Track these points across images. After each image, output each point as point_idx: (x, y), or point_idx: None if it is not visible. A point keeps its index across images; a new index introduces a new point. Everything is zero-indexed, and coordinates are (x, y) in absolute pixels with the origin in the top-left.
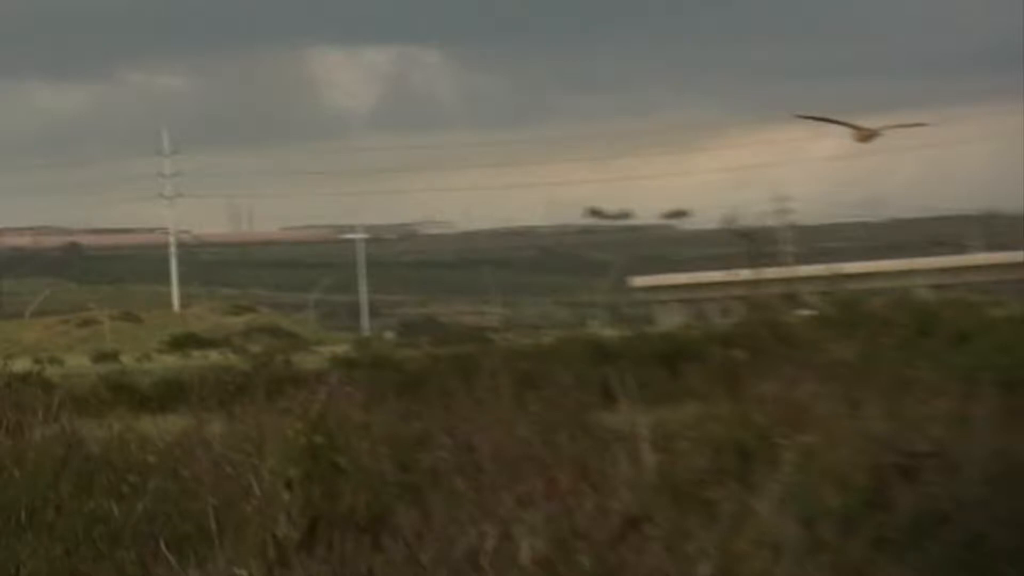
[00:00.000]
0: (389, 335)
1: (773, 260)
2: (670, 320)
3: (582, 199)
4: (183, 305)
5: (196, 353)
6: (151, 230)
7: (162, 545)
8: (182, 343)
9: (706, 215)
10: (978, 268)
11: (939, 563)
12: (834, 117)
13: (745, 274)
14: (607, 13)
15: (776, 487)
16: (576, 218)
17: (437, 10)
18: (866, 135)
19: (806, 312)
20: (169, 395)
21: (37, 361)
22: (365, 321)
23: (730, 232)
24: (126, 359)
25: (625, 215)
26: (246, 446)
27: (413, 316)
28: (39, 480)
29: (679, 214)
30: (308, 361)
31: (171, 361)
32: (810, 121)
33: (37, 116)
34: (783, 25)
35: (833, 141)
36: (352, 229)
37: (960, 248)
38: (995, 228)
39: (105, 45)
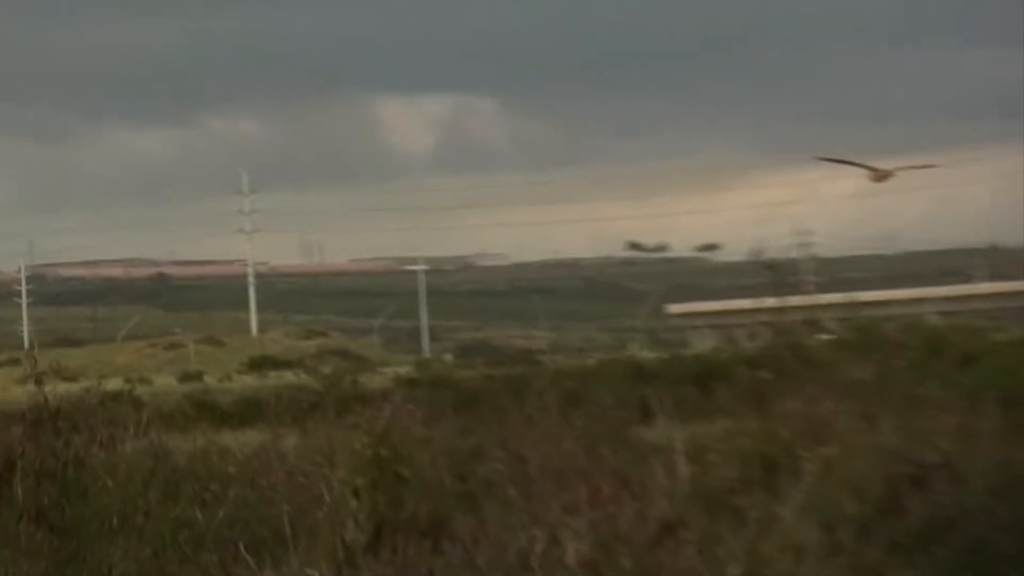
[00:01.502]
0: (447, 357)
1: (796, 289)
2: (702, 344)
3: (623, 233)
4: (261, 330)
5: (272, 374)
6: (231, 262)
7: (241, 548)
8: (259, 365)
9: (735, 248)
10: (982, 296)
11: (946, 566)
12: (851, 159)
13: (770, 302)
14: (644, 64)
15: (799, 495)
16: (617, 251)
17: (491, 62)
18: (881, 175)
19: (826, 336)
20: (248, 412)
21: (128, 381)
22: (425, 344)
23: (757, 264)
24: (209, 379)
25: (662, 248)
26: (317, 458)
27: (469, 340)
28: (130, 489)
29: (711, 247)
30: (374, 381)
31: (249, 381)
32: (830, 163)
33: (127, 159)
34: (805, 75)
35: (851, 181)
36: (413, 261)
37: (966, 278)
38: (997, 260)
39: (189, 93)
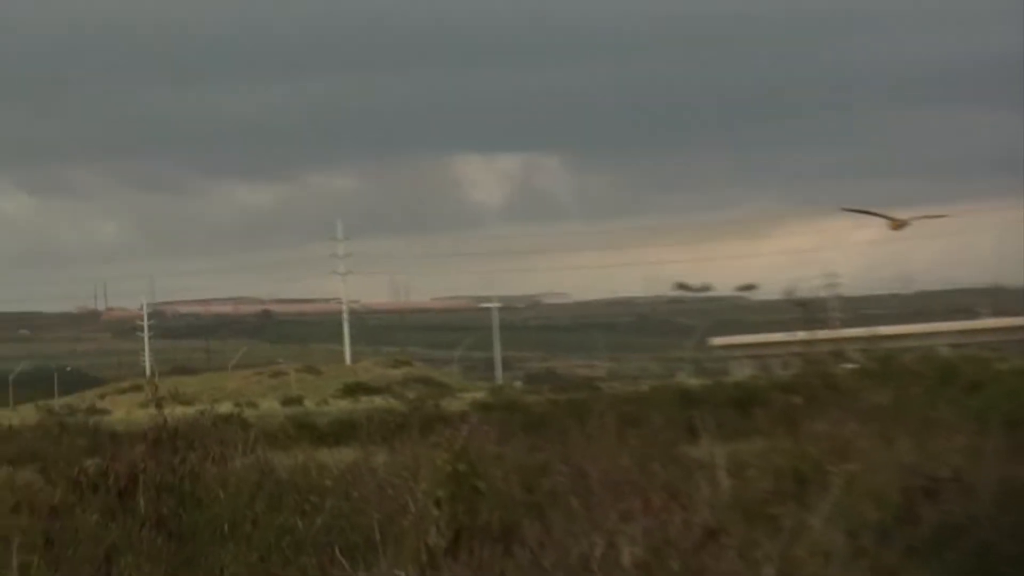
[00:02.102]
0: (517, 384)
1: (824, 324)
2: (742, 372)
3: (672, 275)
4: (353, 360)
5: (364, 398)
6: (328, 300)
7: (337, 552)
8: (353, 391)
9: (771, 288)
10: (987, 331)
11: (956, 568)
12: (872, 210)
13: (801, 335)
14: (692, 127)
15: (826, 505)
16: (667, 290)
17: (556, 125)
18: (898, 224)
19: (850, 366)
20: (342, 432)
21: (237, 405)
22: (498, 373)
23: (789, 302)
24: (308, 403)
25: (706, 288)
26: (404, 473)
27: (537, 369)
28: (239, 500)
29: (749, 287)
30: (453, 405)
31: (344, 405)
32: (853, 213)
33: (238, 210)
34: (831, 136)
35: (872, 229)
36: (488, 299)
37: (973, 315)
38: (1001, 299)
39: (292, 152)
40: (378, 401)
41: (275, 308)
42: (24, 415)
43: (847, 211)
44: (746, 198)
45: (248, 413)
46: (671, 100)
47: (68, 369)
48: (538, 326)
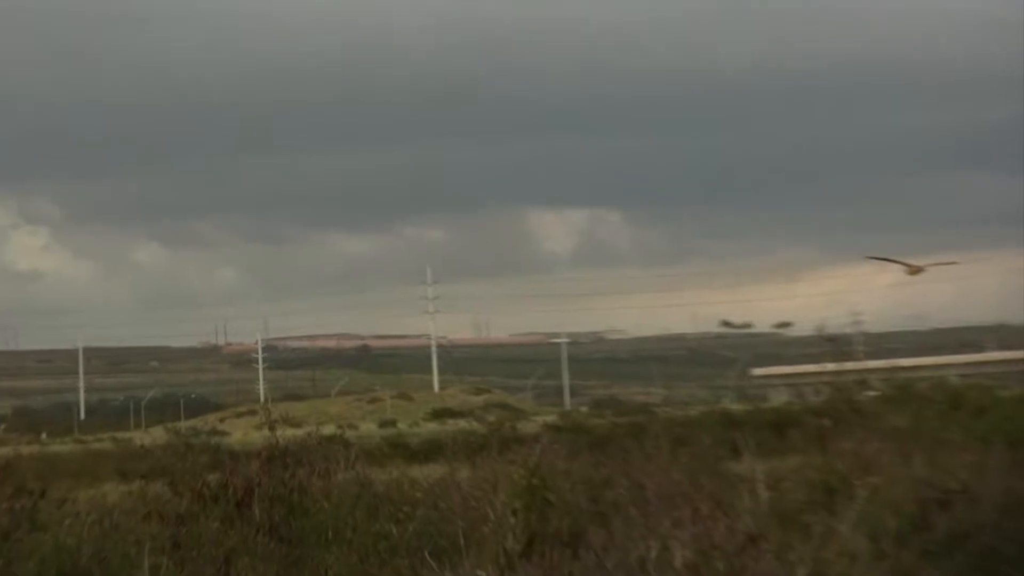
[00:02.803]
0: (583, 409)
1: (850, 357)
2: (779, 398)
3: (717, 314)
4: (441, 388)
5: (450, 421)
6: (419, 336)
7: (426, 555)
8: (440, 414)
9: (804, 325)
10: (992, 363)
11: (965, 569)
12: (892, 258)
13: (830, 367)
14: (735, 185)
15: (852, 514)
16: (713, 327)
17: (617, 184)
18: (915, 270)
19: (872, 393)
20: (431, 451)
21: (339, 427)
22: (567, 399)
23: (820, 337)
24: (401, 425)
25: (747, 325)
26: (484, 486)
27: (600, 396)
28: (341, 509)
29: (785, 325)
30: (527, 427)
31: (432, 427)
32: (876, 261)
33: (340, 258)
34: (856, 194)
35: (892, 274)
36: (558, 335)
37: (979, 348)
38: (1004, 335)
39: (388, 208)
40: (462, 424)
41: (372, 343)
42: (154, 436)
43: (871, 259)
44: (782, 247)
45: (349, 434)
46: (717, 163)
47: (192, 396)
48: (601, 358)
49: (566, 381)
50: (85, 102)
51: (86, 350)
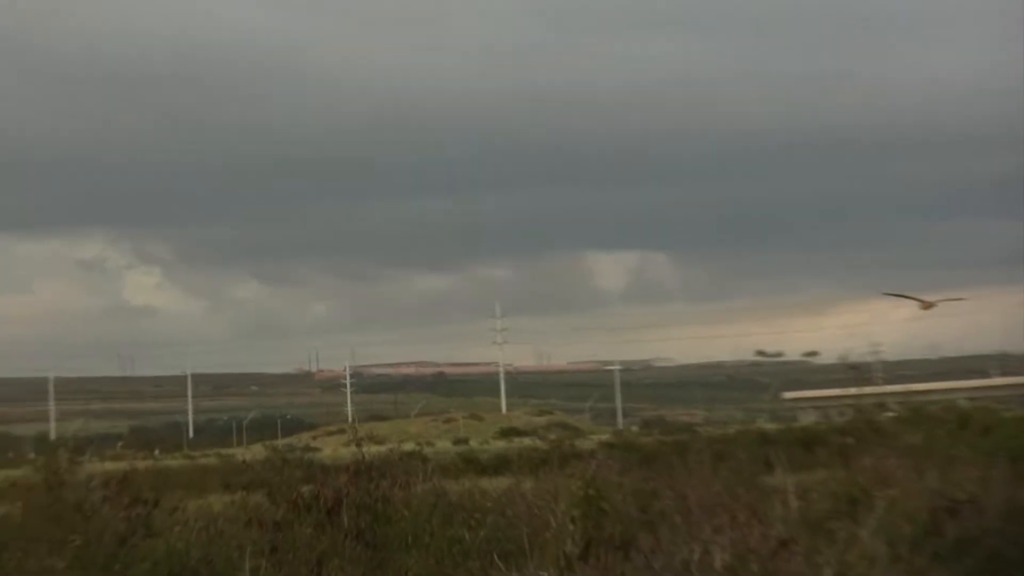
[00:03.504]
0: (634, 428)
1: (870, 382)
2: (807, 419)
3: (753, 344)
4: (508, 410)
5: (516, 439)
6: (488, 364)
7: (495, 557)
8: (507, 433)
9: (829, 354)
10: (996, 387)
11: (972, 571)
12: (907, 294)
13: (853, 391)
14: (768, 230)
15: (872, 521)
16: (749, 356)
17: (663, 230)
18: (927, 305)
19: (890, 414)
20: (499, 465)
21: (418, 444)
22: (619, 420)
23: (844, 365)
24: (473, 443)
25: (779, 354)
26: (546, 496)
27: (649, 416)
28: (419, 517)
29: (813, 354)
30: (584, 445)
31: (500, 444)
32: (893, 297)
33: (419, 294)
34: (877, 237)
35: (907, 309)
36: (611, 363)
37: (985, 375)
38: (1006, 363)
39: (461, 250)
40: (526, 441)
41: (447, 370)
42: (254, 452)
43: (888, 295)
44: (809, 285)
45: (427, 451)
46: (752, 209)
47: (288, 417)
48: (649, 383)
49: (619, 404)
50: (194, 159)
51: (194, 376)
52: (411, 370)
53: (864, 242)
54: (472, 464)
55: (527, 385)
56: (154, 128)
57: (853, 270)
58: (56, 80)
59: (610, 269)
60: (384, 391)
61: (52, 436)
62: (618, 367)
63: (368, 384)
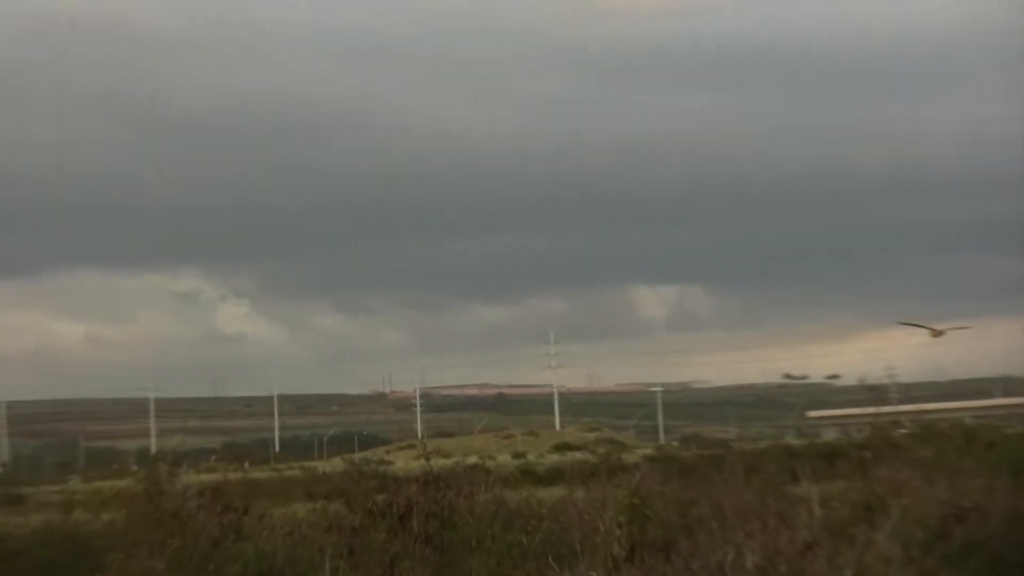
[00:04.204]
0: (674, 443)
1: (886, 402)
2: (829, 435)
3: (780, 368)
4: (561, 427)
5: (568, 453)
6: (543, 386)
7: (550, 559)
8: (560, 448)
9: (849, 377)
10: (999, 407)
11: (978, 571)
12: (919, 323)
13: (870, 410)
14: (793, 264)
15: (887, 527)
16: (777, 378)
17: (700, 265)
18: (937, 333)
19: (904, 431)
20: (554, 476)
21: (480, 458)
22: (661, 436)
23: (862, 387)
24: (530, 457)
25: (804, 377)
26: (596, 504)
27: (687, 433)
28: (482, 523)
29: (834, 376)
30: (630, 458)
31: (554, 458)
32: (907, 325)
33: (481, 323)
34: (892, 270)
35: (919, 336)
36: (654, 385)
37: (988, 396)
38: (1008, 385)
39: (519, 283)
40: (578, 455)
41: (507, 391)
42: (333, 465)
43: (903, 324)
44: (832, 315)
45: (488, 464)
46: (780, 246)
47: (364, 433)
48: (688, 403)
49: (660, 421)
50: (278, 201)
51: (280, 396)
52: (474, 391)
53: (881, 276)
54: (529, 475)
55: (578, 405)
56: (243, 174)
57: (871, 301)
58: (159, 131)
59: (652, 301)
60: (450, 410)
61: (153, 451)
62: (660, 389)
63: (436, 404)
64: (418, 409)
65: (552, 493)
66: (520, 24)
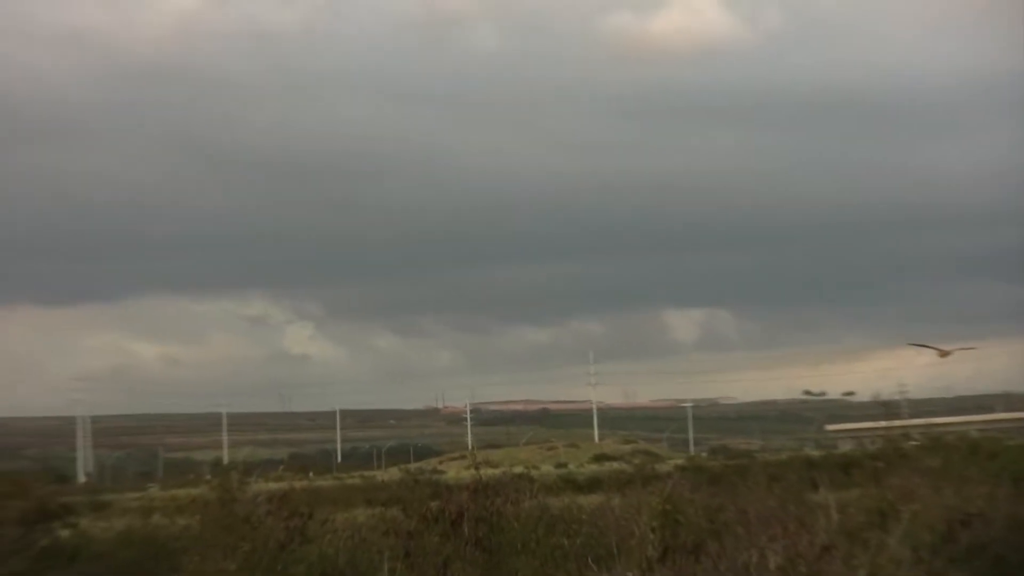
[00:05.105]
0: (704, 454)
1: (897, 416)
2: (846, 447)
3: (801, 385)
4: (600, 439)
5: (606, 463)
6: (583, 402)
7: (589, 561)
8: (599, 458)
9: (864, 393)
10: (1001, 421)
11: (982, 572)
12: (928, 344)
13: (883, 424)
14: (813, 292)
15: (898, 531)
16: (798, 395)
17: (727, 291)
18: (944, 353)
19: (914, 442)
20: (593, 484)
21: (526, 468)
22: (691, 447)
23: (876, 402)
24: (571, 466)
25: (823, 393)
26: (631, 510)
27: (715, 445)
28: (527, 527)
29: (850, 393)
30: (662, 468)
31: (594, 468)
32: (916, 346)
33: (525, 344)
34: (904, 296)
35: (928, 356)
36: (684, 401)
37: (991, 410)
38: (1009, 401)
39: (559, 308)
40: (615, 465)
41: (550, 406)
42: (391, 474)
43: (912, 345)
44: (848, 336)
45: (533, 473)
46: (800, 273)
47: (419, 445)
48: (716, 417)
49: (691, 434)
50: (339, 232)
51: (342, 411)
52: (520, 407)
53: (893, 300)
54: (570, 484)
55: (615, 419)
56: (307, 206)
57: (883, 323)
58: (230, 167)
59: (683, 323)
60: (498, 424)
61: (225, 461)
62: (690, 404)
63: (485, 418)
64: (468, 423)
65: (591, 500)
66: (562, 71)
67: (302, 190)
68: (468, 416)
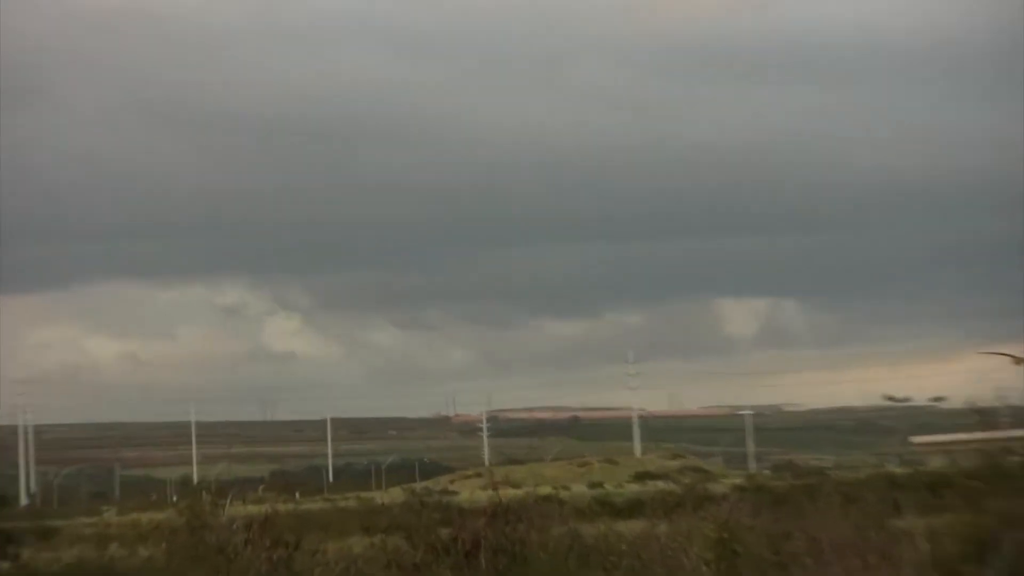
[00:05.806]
0: (766, 472)
1: (996, 427)
2: (936, 463)
3: (881, 390)
4: (642, 454)
5: (649, 483)
6: (621, 408)
7: None
8: (641, 477)
9: (956, 399)
10: None
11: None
12: (1001, 351)
13: (979, 435)
14: (892, 279)
15: (999, 564)
16: (877, 401)
17: (792, 278)
18: (1019, 360)
19: (1016, 457)
20: (634, 508)
21: (554, 488)
22: (751, 463)
23: (970, 410)
24: (608, 486)
25: (907, 399)
26: (680, 539)
27: (779, 461)
28: (555, 559)
29: (940, 399)
30: (717, 488)
31: (634, 488)
32: (988, 354)
33: (553, 340)
34: (1003, 285)
35: (998, 363)
36: (742, 408)
37: None
38: None
39: (593, 297)
40: (660, 485)
41: (582, 414)
42: (392, 495)
43: (983, 353)
44: (937, 330)
45: (562, 494)
46: (880, 256)
47: (426, 460)
48: (779, 428)
49: (750, 448)
50: (330, 212)
51: (333, 420)
52: (546, 415)
53: (991, 289)
54: (606, 507)
55: (660, 429)
56: (292, 183)
57: (981, 317)
58: (200, 130)
59: (739, 315)
60: (520, 435)
61: (195, 480)
62: (749, 412)
63: (504, 428)
64: (484, 434)
65: (632, 527)
66: (591, 19)
67: (289, 163)
68: (484, 426)
